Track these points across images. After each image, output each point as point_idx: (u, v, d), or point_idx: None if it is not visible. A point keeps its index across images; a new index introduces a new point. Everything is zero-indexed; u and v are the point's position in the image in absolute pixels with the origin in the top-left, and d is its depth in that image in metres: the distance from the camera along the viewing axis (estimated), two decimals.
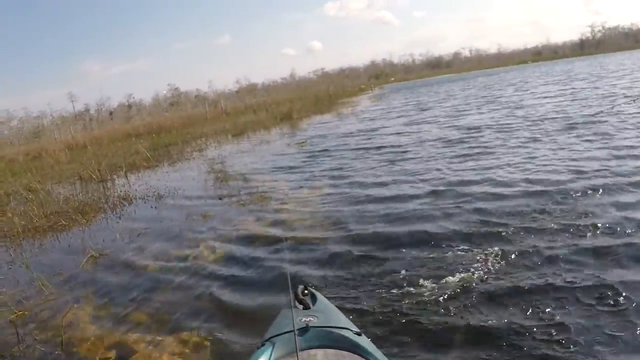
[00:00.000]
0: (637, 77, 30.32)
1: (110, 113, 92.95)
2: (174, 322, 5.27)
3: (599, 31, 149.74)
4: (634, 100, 17.43)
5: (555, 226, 6.21)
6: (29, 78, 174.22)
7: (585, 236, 5.78)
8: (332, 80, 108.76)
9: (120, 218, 11.02)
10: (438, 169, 10.88)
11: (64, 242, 9.70)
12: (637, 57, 67.60)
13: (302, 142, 19.82)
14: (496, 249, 5.67)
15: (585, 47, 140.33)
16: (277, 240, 7.44)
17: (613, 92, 21.96)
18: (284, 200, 10.12)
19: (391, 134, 18.57)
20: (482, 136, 14.76)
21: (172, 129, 37.92)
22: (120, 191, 13.81)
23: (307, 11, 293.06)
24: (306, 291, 3.18)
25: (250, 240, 7.78)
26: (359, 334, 2.70)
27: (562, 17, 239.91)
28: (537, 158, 10.57)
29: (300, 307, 2.98)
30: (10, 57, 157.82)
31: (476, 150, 12.51)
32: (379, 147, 15.38)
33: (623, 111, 15.27)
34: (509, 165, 10.27)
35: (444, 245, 6.08)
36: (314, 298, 3.12)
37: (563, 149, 11.15)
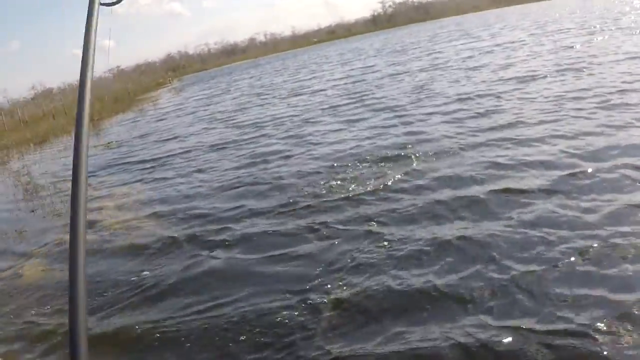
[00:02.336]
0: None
1: None
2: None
3: (390, 6, 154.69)
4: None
5: None
6: None
7: None
8: (129, 77, 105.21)
9: None
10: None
11: None
12: (429, 28, 72.14)
13: (108, 143, 19.24)
14: None
15: (377, 23, 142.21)
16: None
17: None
18: (100, 204, 9.80)
19: (174, 138, 17.66)
20: (253, 138, 14.06)
21: None
22: None
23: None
24: None
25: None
26: None
27: None
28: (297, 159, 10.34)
29: None
30: None
31: (240, 153, 12.24)
32: (166, 157, 14.09)
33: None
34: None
35: None
36: None
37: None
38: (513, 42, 25.79)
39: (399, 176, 7.62)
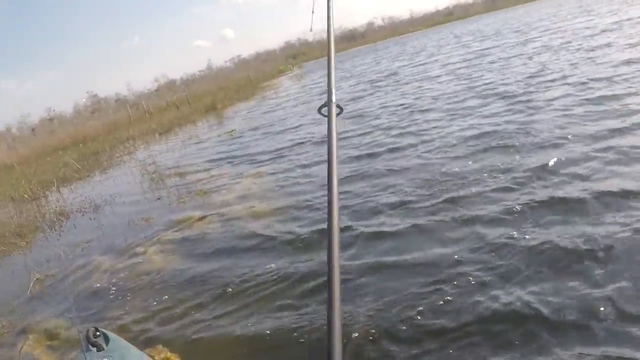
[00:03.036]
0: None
1: (33, 129, 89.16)
2: (140, 339, 4.91)
3: None
4: None
5: None
6: None
7: None
8: (250, 65, 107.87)
9: (60, 235, 10.51)
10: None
11: (6, 269, 9.16)
12: (551, 4, 68.46)
13: (231, 131, 19.49)
14: None
15: (496, 1, 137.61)
16: (222, 236, 7.25)
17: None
18: (224, 193, 9.85)
19: (291, 129, 16.96)
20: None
21: (97, 136, 36.88)
22: (56, 207, 13.18)
23: (214, 2, 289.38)
24: (98, 333, 3.00)
25: (195, 239, 7.54)
26: None
27: None
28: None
29: (94, 349, 2.69)
30: None
31: (351, 146, 11.41)
32: (282, 148, 13.54)
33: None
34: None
35: None
36: (106, 339, 2.84)
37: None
38: None
39: (524, 174, 6.63)
